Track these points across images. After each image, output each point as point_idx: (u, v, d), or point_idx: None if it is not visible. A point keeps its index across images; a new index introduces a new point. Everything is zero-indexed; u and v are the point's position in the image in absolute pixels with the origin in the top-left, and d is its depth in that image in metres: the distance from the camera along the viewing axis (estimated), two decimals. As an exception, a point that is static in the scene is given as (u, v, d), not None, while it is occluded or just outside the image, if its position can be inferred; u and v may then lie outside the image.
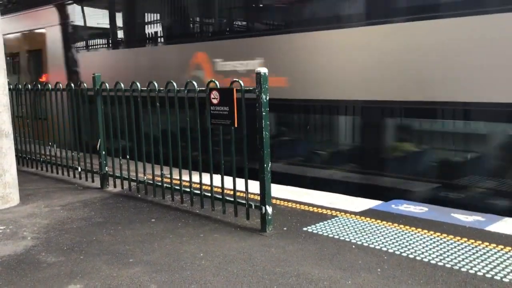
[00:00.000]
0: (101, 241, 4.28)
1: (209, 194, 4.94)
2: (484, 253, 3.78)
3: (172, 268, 3.66)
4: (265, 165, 4.29)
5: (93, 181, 6.49)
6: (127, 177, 5.90)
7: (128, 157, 5.79)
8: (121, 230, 4.56)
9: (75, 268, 3.70)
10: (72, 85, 6.63)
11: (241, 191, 4.86)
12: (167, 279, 3.47)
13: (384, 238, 4.15)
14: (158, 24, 9.00)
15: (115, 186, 6.15)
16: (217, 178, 4.88)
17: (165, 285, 3.37)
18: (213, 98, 4.58)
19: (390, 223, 4.54)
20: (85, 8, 10.30)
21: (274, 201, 5.11)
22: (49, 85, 7.05)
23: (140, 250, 4.05)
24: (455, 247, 3.92)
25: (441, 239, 4.11)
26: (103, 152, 6.14)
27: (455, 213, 4.77)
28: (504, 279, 3.32)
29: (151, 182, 5.58)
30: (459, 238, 4.12)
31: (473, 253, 3.78)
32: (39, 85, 7.38)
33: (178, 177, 5.26)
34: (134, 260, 3.83)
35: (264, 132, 4.26)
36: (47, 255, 4.00)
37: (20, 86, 7.66)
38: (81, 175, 6.70)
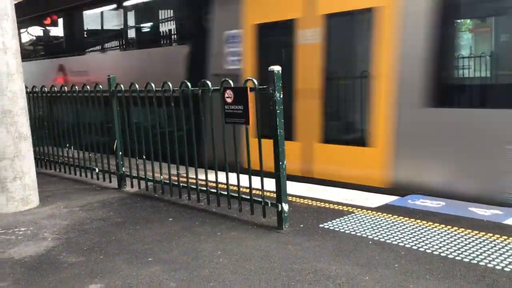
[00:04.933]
0: (120, 241, 4.34)
1: (225, 193, 4.98)
2: (503, 247, 3.76)
3: (190, 266, 3.70)
4: (280, 163, 4.31)
5: (110, 181, 6.56)
6: (143, 177, 5.96)
7: (144, 157, 5.84)
8: (139, 230, 4.62)
9: (96, 268, 3.76)
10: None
11: (257, 189, 4.88)
12: (186, 277, 3.51)
13: (401, 233, 4.15)
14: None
15: (132, 186, 6.22)
16: (233, 177, 4.91)
17: (184, 284, 3.41)
18: (227, 97, 4.61)
19: (407, 218, 4.53)
20: None
21: (290, 198, 5.13)
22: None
23: (158, 249, 4.09)
24: (473, 241, 3.91)
25: (458, 233, 4.09)
26: (120, 153, 6.20)
27: (472, 207, 4.74)
28: (523, 273, 3.30)
29: (168, 181, 5.63)
30: (476, 232, 4.10)
31: (491, 247, 3.76)
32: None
33: (194, 176, 5.30)
34: (153, 259, 3.88)
35: (279, 130, 4.27)
36: (68, 255, 4.07)
37: (37, 89, 7.72)
38: (99, 175, 6.79)
